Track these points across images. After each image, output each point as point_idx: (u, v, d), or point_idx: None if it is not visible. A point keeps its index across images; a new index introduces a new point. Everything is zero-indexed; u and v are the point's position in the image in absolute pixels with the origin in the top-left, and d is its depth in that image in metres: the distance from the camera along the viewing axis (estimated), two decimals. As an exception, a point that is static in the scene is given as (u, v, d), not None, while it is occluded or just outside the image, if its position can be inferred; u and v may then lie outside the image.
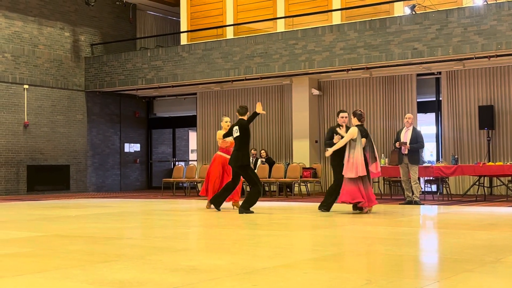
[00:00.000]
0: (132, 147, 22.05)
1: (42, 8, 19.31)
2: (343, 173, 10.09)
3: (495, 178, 14.89)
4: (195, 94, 20.83)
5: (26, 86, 18.74)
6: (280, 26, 17.83)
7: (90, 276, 4.47)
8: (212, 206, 11.09)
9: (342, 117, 10.60)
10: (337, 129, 10.54)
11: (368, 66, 15.94)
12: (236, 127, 10.60)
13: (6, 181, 18.22)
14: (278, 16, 17.95)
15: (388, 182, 15.82)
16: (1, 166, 18.08)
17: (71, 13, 20.10)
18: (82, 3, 19.96)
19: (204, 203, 12.16)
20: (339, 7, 17.04)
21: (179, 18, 20.27)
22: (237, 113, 10.85)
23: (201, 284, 4.23)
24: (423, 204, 12.44)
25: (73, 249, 6.11)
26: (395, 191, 16.00)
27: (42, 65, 19.28)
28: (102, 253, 5.79)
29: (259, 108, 10.63)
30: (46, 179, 19.19)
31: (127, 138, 21.92)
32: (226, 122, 11.41)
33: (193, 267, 4.90)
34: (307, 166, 17.17)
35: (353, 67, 16.13)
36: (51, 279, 4.38)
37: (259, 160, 17.40)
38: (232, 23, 18.79)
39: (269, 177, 16.46)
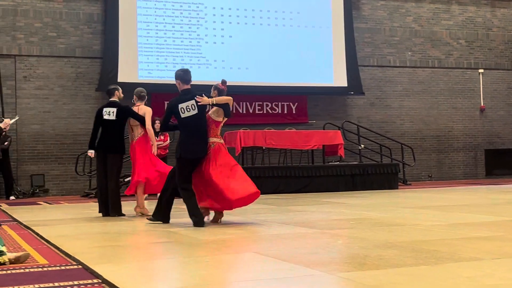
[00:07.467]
0: None
1: (494, -11, 19.06)
2: None
3: None
4: None
5: (481, 70, 18.75)
6: None
7: None
8: None
9: None
10: None
11: None
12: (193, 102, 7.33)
13: (465, 166, 18.55)
14: None
15: None
16: (459, 150, 18.50)
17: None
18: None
19: None
20: None
21: None
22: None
23: None
24: None
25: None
26: None
27: (496, 48, 19.03)
28: None
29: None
30: (504, 163, 18.88)
31: None
32: None
33: None
34: None
35: None
36: (532, 266, 4.26)
37: None
38: None
39: None
